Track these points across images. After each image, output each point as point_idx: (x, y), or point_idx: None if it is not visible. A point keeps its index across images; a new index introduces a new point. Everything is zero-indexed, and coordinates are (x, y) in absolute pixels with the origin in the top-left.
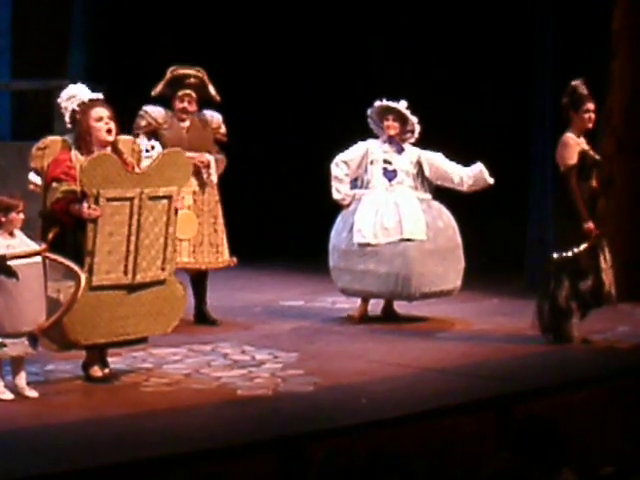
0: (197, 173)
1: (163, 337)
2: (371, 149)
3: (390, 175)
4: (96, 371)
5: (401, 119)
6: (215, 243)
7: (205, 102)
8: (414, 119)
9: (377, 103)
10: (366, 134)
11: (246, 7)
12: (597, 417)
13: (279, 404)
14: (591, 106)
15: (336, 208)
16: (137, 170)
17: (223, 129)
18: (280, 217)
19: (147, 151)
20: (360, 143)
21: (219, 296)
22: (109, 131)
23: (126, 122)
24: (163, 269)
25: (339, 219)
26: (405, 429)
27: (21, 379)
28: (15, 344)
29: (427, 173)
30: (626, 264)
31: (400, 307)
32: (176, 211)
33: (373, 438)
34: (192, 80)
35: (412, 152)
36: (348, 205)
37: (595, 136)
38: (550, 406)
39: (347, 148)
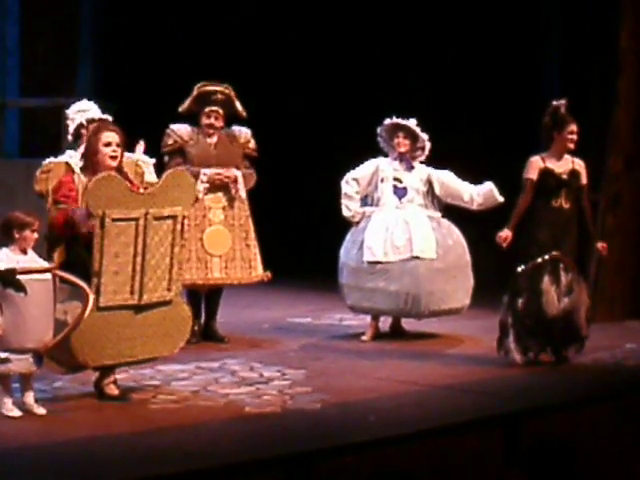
0: (226, 188)
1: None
2: (381, 166)
3: (400, 193)
4: (112, 389)
5: (411, 136)
6: (247, 258)
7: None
8: (424, 136)
9: (387, 121)
10: (381, 152)
11: (262, 24)
12: (605, 434)
13: (287, 421)
14: (575, 127)
15: (346, 225)
16: (141, 191)
17: (252, 144)
18: (288, 234)
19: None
20: (370, 161)
21: (227, 313)
22: (113, 157)
23: (134, 139)
24: (169, 290)
25: (348, 237)
26: (412, 447)
27: (29, 396)
28: (20, 360)
29: (437, 191)
30: (633, 281)
31: (408, 324)
32: (182, 231)
33: (380, 456)
34: (219, 96)
35: (422, 170)
36: (358, 223)
37: (602, 154)
38: (558, 423)
39: (359, 166)
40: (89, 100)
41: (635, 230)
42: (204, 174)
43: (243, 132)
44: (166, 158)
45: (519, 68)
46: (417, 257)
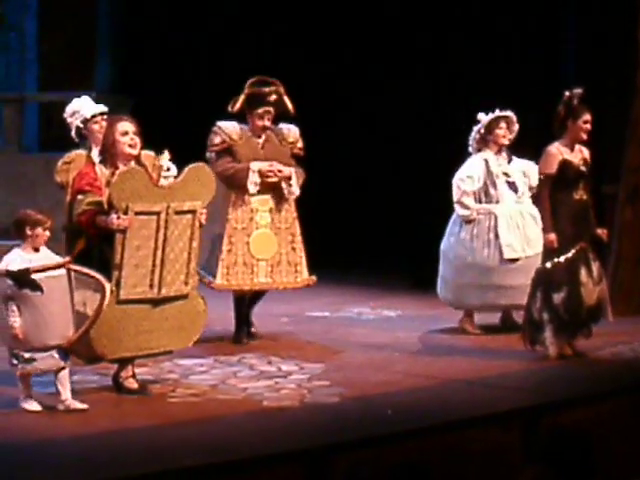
0: (274, 190)
1: (189, 348)
2: (490, 162)
3: (514, 187)
4: (131, 383)
5: (509, 127)
6: (293, 262)
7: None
8: (517, 126)
9: (490, 114)
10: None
11: (292, 16)
12: (625, 428)
13: (305, 415)
14: (589, 117)
15: (365, 220)
16: (162, 184)
17: (300, 143)
18: (307, 228)
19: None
20: (476, 157)
21: None
22: (132, 146)
23: (151, 133)
24: (186, 283)
25: (466, 236)
26: (431, 440)
27: (66, 393)
28: (44, 358)
29: (531, 181)
30: None
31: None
32: (200, 225)
33: (399, 449)
34: (273, 97)
35: (517, 162)
36: (471, 221)
37: (619, 145)
38: (577, 417)
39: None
40: (106, 94)
41: None
42: (254, 164)
43: (292, 131)
44: (210, 155)
45: (536, 58)
46: None
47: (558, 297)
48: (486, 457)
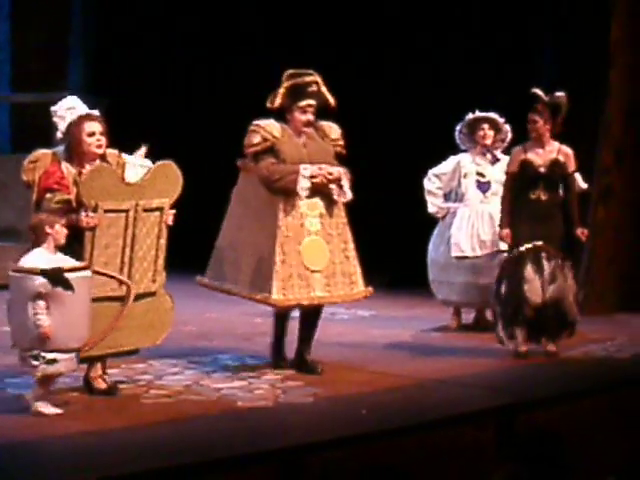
0: (322, 192)
1: (162, 348)
2: (463, 162)
3: (484, 187)
4: (100, 383)
5: (494, 129)
6: (348, 272)
7: None
8: (507, 127)
9: (470, 115)
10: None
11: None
12: (598, 427)
13: (279, 415)
14: (532, 117)
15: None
16: (130, 182)
17: (342, 141)
18: None
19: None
20: (451, 157)
21: (219, 307)
22: (99, 146)
23: (123, 134)
24: (154, 281)
25: (435, 233)
26: (405, 440)
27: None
28: (66, 360)
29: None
30: (623, 274)
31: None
32: (167, 226)
33: (373, 449)
34: (314, 88)
35: (505, 162)
36: (442, 218)
37: (593, 146)
38: (551, 416)
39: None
40: (79, 95)
41: (626, 223)
42: (305, 169)
43: (333, 127)
44: (243, 160)
45: (509, 65)
46: (503, 251)
47: (503, 290)
48: (460, 456)
